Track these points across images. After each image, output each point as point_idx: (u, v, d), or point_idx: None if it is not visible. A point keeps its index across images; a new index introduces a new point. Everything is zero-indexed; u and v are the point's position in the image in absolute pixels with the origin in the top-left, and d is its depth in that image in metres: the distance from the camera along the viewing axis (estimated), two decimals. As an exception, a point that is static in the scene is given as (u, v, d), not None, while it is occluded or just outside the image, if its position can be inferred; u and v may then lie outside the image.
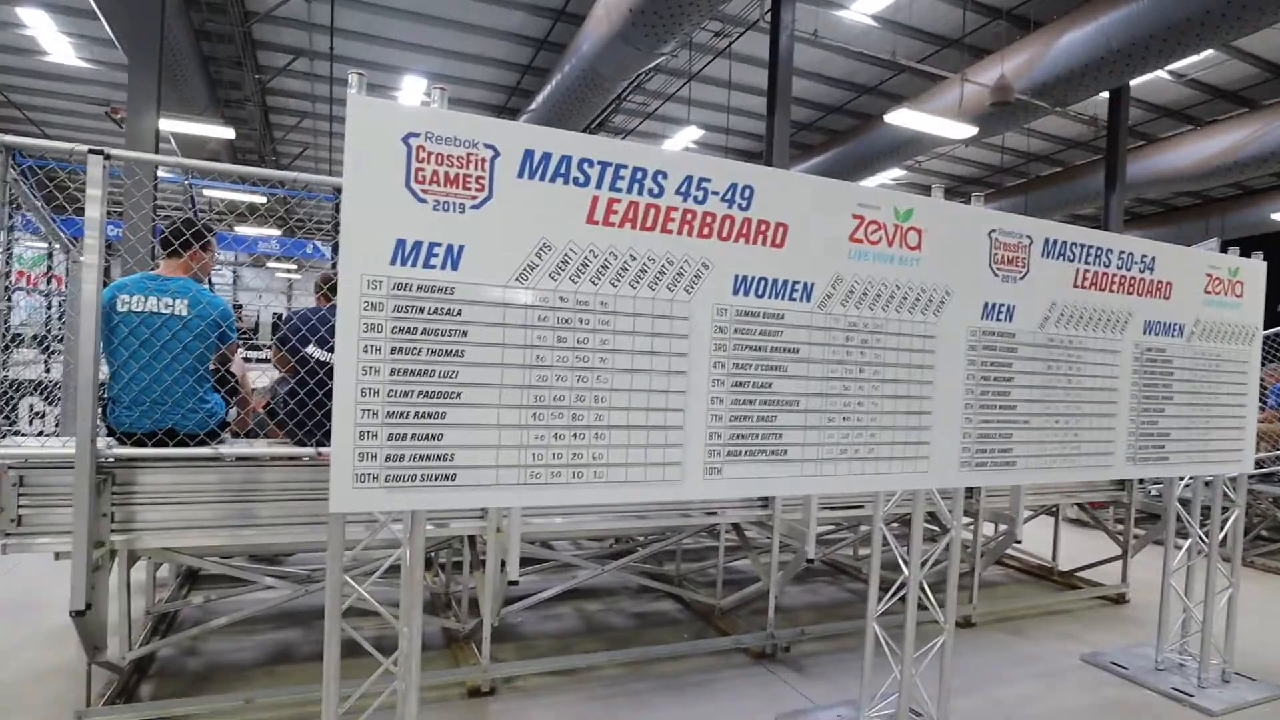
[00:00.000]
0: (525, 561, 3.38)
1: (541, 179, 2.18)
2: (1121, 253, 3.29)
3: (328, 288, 3.42)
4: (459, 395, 2.11)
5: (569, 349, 2.23)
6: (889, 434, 2.76)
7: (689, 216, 2.38)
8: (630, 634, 4.45)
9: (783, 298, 2.54)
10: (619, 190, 2.27)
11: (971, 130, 9.91)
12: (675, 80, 12.06)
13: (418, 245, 2.04)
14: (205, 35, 10.63)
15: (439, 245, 2.06)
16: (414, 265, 2.04)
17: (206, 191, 12.24)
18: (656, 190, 2.32)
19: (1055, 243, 3.10)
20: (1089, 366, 3.24)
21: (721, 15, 9.83)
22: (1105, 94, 10.93)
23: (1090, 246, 3.19)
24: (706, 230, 2.41)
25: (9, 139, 2.50)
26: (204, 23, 10.30)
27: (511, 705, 3.45)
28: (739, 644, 4.22)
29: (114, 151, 2.57)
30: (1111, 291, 3.28)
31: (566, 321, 2.22)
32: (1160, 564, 4.13)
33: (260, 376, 4.05)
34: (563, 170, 2.20)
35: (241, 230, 13.22)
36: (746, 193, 2.46)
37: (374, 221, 2.01)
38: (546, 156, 2.18)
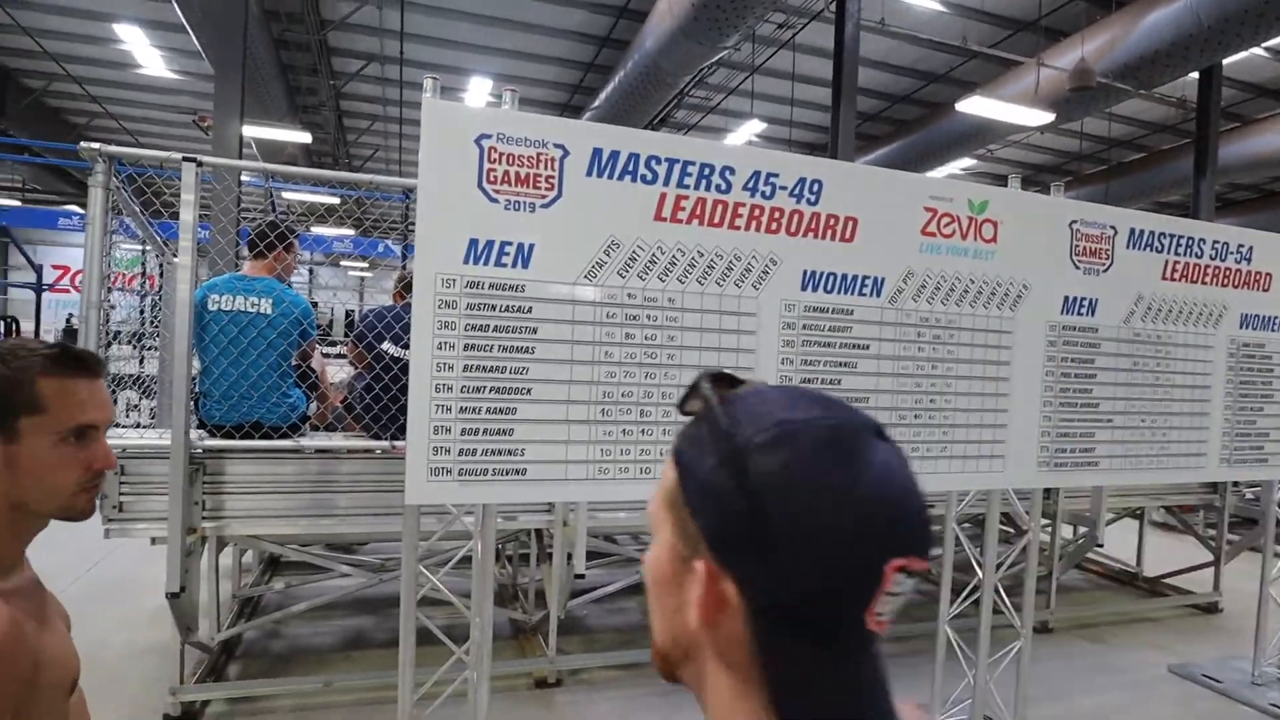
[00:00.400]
0: (591, 555, 3.42)
1: (610, 177, 2.19)
2: (1215, 242, 3.11)
3: (402, 286, 3.52)
4: (529, 391, 2.15)
5: (637, 345, 2.24)
6: (963, 432, 2.68)
7: (757, 212, 2.36)
8: (694, 630, 4.46)
9: (852, 293, 2.50)
10: (686, 187, 2.27)
11: (1049, 117, 9.50)
12: (738, 74, 11.94)
13: (490, 244, 2.08)
14: (284, 44, 11.06)
15: (510, 244, 2.10)
16: (486, 264, 2.08)
17: (285, 194, 12.78)
18: (724, 186, 2.31)
19: (1142, 233, 2.95)
20: (1179, 363, 3.08)
21: (785, 6, 9.69)
22: (1195, 74, 10.34)
23: (1181, 237, 3.03)
24: (775, 225, 2.38)
25: (112, 149, 2.66)
26: (283, 32, 10.71)
27: (577, 697, 3.51)
28: (804, 643, 4.17)
29: (206, 159, 2.71)
30: (1204, 284, 3.11)
31: (634, 318, 2.24)
32: (1258, 571, 3.90)
33: (338, 371, 4.21)
34: (631, 168, 2.21)
35: (318, 230, 13.77)
36: (815, 187, 2.42)
37: (447, 221, 2.06)
38: (615, 155, 2.19)
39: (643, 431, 2.27)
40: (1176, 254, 3.03)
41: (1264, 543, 3.92)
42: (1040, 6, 9.64)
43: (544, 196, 2.13)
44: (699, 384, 0.55)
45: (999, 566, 3.04)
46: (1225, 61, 10.26)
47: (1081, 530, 4.69)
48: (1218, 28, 7.77)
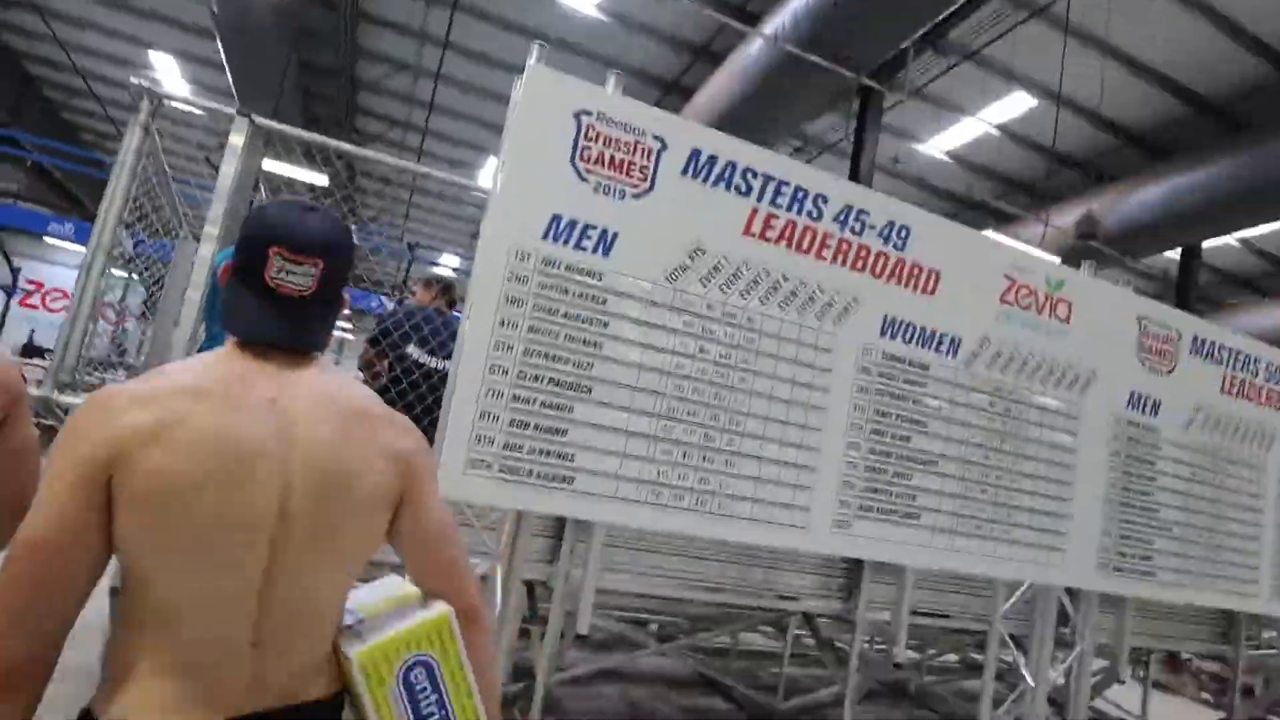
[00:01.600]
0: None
1: (704, 181, 2.07)
2: (1269, 364, 3.07)
3: (440, 287, 3.24)
4: (590, 391, 1.92)
5: (709, 361, 2.05)
6: (1026, 516, 2.48)
7: (844, 246, 2.24)
8: (674, 731, 4.00)
9: (930, 348, 2.36)
10: (779, 206, 2.16)
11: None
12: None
13: (573, 224, 1.92)
14: (311, 95, 11.26)
15: (594, 228, 1.94)
16: (566, 244, 1.91)
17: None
18: (816, 214, 2.20)
19: (1204, 341, 2.89)
20: (1234, 480, 2.95)
21: (802, 134, 10.16)
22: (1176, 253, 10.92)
23: (1239, 351, 2.98)
24: (860, 264, 2.26)
25: (162, 90, 2.47)
26: (311, 85, 10.92)
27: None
28: (798, 759, 3.75)
29: (260, 120, 2.55)
30: (1259, 403, 3.03)
31: (711, 332, 2.06)
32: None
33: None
34: (726, 175, 2.10)
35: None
36: (903, 232, 2.33)
37: (531, 193, 1.91)
38: (713, 159, 2.08)
39: (704, 458, 2.03)
40: (1234, 369, 2.97)
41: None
42: (1047, 173, 10.19)
43: (636, 186, 1.99)
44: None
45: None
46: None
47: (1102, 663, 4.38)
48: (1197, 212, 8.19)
